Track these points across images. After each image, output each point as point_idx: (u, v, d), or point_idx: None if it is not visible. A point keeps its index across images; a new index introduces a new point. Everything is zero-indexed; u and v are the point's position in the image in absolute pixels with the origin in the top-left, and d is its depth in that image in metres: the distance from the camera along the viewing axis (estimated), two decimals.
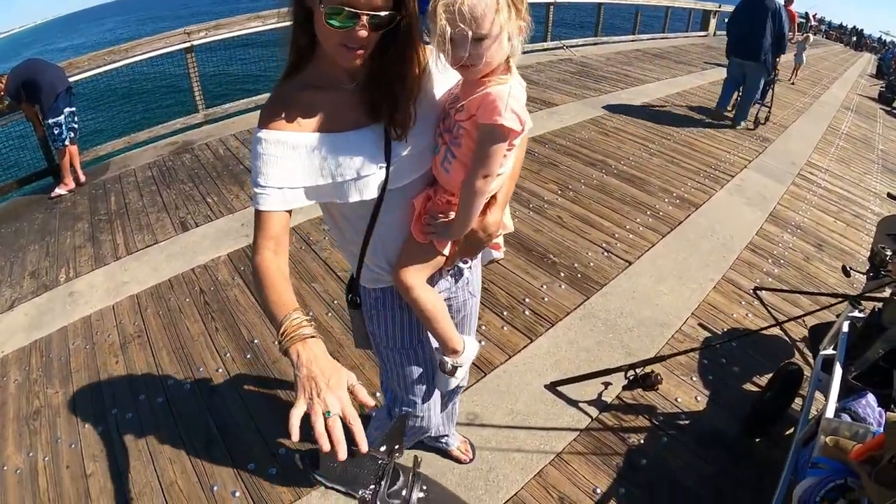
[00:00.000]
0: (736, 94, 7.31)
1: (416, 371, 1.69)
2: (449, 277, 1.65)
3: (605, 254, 3.94)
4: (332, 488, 0.96)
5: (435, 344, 1.69)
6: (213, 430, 2.62)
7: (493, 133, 1.22)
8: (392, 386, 1.77)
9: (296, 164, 1.24)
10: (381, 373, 1.81)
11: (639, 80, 9.03)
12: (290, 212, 1.29)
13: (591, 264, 3.81)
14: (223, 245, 4.11)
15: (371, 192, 1.31)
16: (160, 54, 6.58)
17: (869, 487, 1.44)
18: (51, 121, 5.21)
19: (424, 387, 1.72)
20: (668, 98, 8.11)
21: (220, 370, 2.96)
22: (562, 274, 3.69)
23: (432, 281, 1.55)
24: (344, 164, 1.27)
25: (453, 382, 1.66)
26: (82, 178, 5.51)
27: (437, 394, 1.79)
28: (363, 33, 1.13)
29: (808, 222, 4.80)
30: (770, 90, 7.37)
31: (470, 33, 1.11)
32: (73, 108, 5.42)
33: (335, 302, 3.43)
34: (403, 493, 0.98)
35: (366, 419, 1.95)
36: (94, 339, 3.31)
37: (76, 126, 5.50)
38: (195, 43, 6.62)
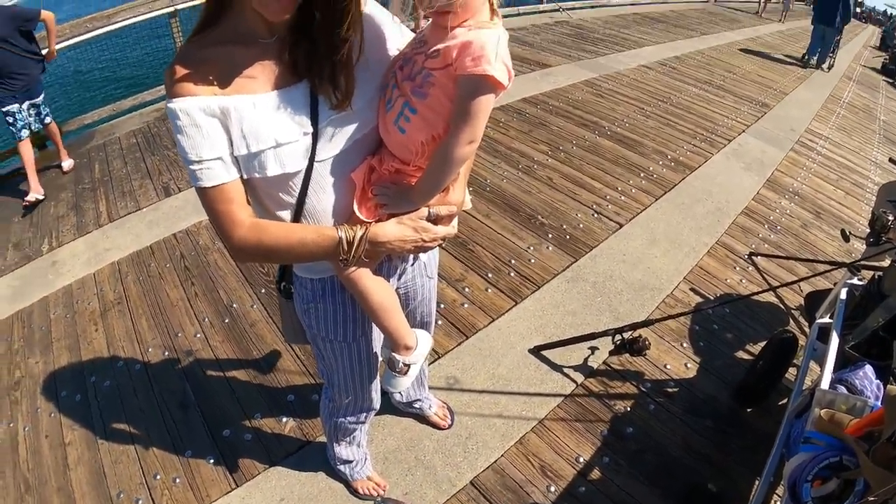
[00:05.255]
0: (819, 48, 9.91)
1: (360, 363, 1.58)
2: (402, 263, 1.47)
3: (596, 216, 3.86)
4: None
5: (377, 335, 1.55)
6: (190, 397, 2.59)
7: (479, 86, 1.04)
8: (330, 375, 1.64)
9: (218, 131, 1.07)
10: (316, 359, 1.67)
11: (636, 43, 8.84)
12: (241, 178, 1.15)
13: (581, 226, 3.73)
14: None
15: (295, 164, 1.13)
16: (144, 19, 6.40)
17: (866, 467, 1.35)
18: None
19: (368, 375, 1.63)
20: (666, 61, 7.94)
21: (199, 335, 2.91)
22: (550, 235, 3.61)
23: (382, 268, 1.39)
24: (260, 129, 1.09)
25: (405, 382, 1.48)
26: (66, 163, 5.06)
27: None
28: None
29: (806, 189, 4.69)
30: (836, 47, 9.99)
31: None
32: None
33: (261, 290, 3.24)
34: None
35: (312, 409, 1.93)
36: (75, 308, 3.28)
37: (35, 125, 4.95)
38: (179, 7, 6.41)
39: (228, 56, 1.08)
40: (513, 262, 3.34)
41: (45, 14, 4.70)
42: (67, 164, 5.05)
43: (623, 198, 4.08)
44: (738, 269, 3.47)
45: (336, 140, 1.16)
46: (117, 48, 7.28)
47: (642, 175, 4.44)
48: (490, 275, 3.23)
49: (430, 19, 1.09)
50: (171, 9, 6.31)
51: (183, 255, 3.56)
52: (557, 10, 10.17)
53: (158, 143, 5.31)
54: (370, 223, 1.19)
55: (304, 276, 1.40)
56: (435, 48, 1.06)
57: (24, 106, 4.68)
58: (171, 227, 3.91)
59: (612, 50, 8.20)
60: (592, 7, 11.44)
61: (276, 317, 2.94)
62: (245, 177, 1.14)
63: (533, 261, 3.36)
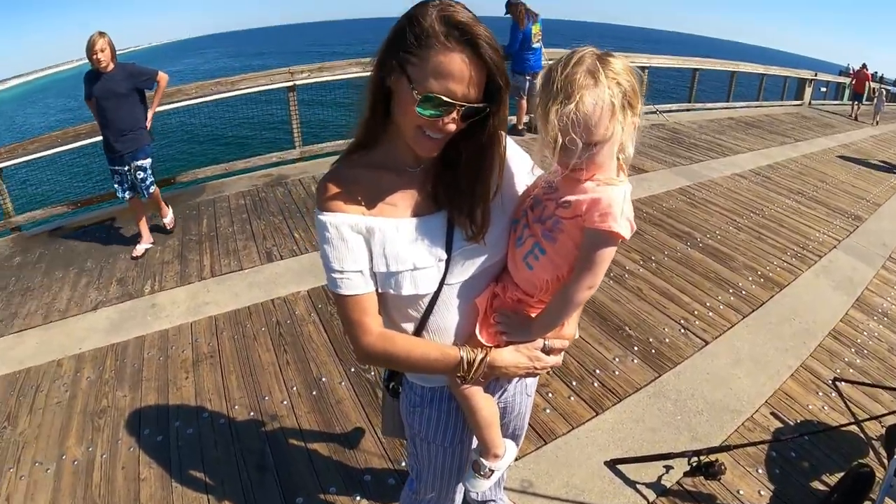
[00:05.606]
0: None
1: (452, 466, 1.62)
2: (507, 382, 1.53)
3: (683, 331, 3.80)
4: None
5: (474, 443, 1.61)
6: (269, 460, 2.67)
7: (604, 240, 1.14)
8: (420, 471, 1.69)
9: (361, 247, 1.20)
10: (409, 454, 1.74)
11: (730, 149, 8.80)
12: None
13: (667, 340, 3.68)
14: (304, 281, 4.20)
15: (428, 287, 1.24)
16: (264, 90, 6.91)
17: None
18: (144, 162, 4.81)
19: (456, 477, 1.67)
20: (760, 170, 7.85)
21: (285, 402, 3.01)
22: (636, 348, 3.57)
23: (489, 385, 1.45)
24: (400, 252, 1.20)
25: (486, 485, 1.55)
26: (167, 219, 5.14)
27: None
28: (451, 126, 1.09)
29: (895, 310, 4.49)
30: None
31: (582, 143, 1.06)
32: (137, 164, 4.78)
33: (351, 369, 3.29)
34: None
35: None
36: (169, 353, 3.46)
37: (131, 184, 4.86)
38: (298, 82, 6.88)
39: (377, 180, 1.21)
40: (597, 371, 3.32)
41: (162, 75, 4.87)
42: (169, 219, 5.11)
43: (711, 314, 4.02)
44: (820, 394, 3.33)
45: (466, 267, 1.27)
46: (230, 108, 7.77)
47: (731, 291, 4.36)
48: (574, 383, 3.22)
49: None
50: (290, 83, 6.75)
51: (279, 322, 3.71)
52: (654, 113, 10.29)
53: (265, 208, 5.61)
54: (490, 348, 1.28)
55: (416, 382, 1.48)
56: (566, 199, 1.16)
57: (132, 166, 4.71)
58: (270, 292, 4.08)
59: (707, 156, 8.19)
60: (688, 110, 11.54)
61: (363, 397, 3.02)
62: (380, 291, 1.25)
63: (617, 372, 3.33)
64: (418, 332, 1.32)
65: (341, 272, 1.20)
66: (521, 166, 1.37)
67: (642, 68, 10.13)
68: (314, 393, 3.07)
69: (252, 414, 2.95)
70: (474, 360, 1.26)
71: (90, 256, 4.83)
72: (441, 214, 1.25)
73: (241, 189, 6.17)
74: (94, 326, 3.81)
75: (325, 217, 1.19)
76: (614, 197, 1.11)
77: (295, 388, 3.11)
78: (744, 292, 4.37)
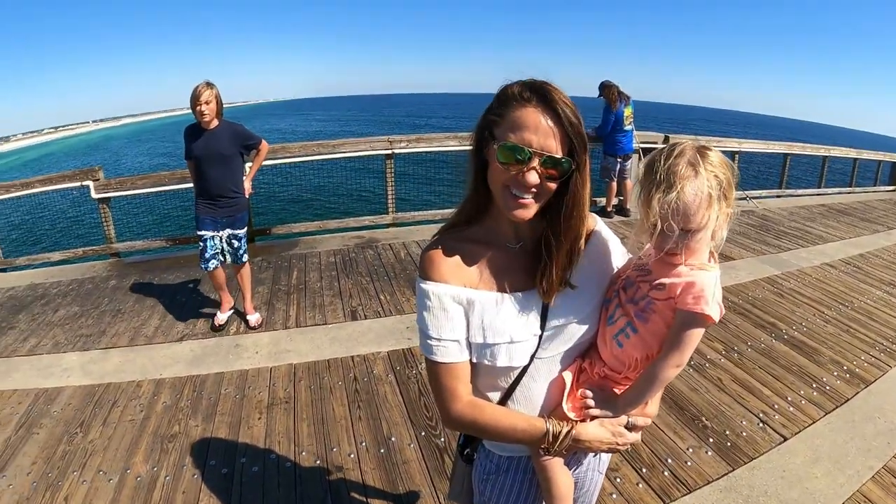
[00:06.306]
0: None
1: None
2: (584, 456, 1.54)
3: (761, 425, 3.63)
4: None
5: None
6: None
7: (696, 321, 1.20)
8: None
9: (460, 318, 1.25)
10: None
11: (820, 237, 8.48)
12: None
13: (744, 434, 3.52)
14: (385, 342, 4.29)
15: (521, 360, 1.28)
16: (363, 155, 7.27)
17: None
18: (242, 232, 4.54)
19: None
20: (850, 260, 7.48)
21: (353, 456, 3.07)
22: (710, 440, 3.44)
23: (567, 458, 1.46)
24: (498, 325, 1.25)
25: None
26: (252, 318, 4.61)
27: None
28: (532, 177, 1.12)
29: None
30: None
31: (679, 229, 1.13)
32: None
33: (421, 433, 3.28)
34: None
35: None
36: (245, 392, 3.63)
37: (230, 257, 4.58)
38: (396, 151, 7.21)
39: (479, 254, 1.29)
40: (669, 461, 3.22)
41: (264, 143, 4.60)
42: (254, 318, 4.60)
43: (791, 409, 3.83)
44: None
45: (557, 343, 1.31)
46: (323, 171, 8.12)
47: (815, 386, 4.15)
48: (644, 470, 3.13)
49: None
50: (389, 151, 7.09)
51: (356, 378, 3.80)
52: (744, 199, 10.04)
53: (354, 268, 5.85)
54: (576, 421, 1.32)
55: (492, 450, 1.50)
56: (661, 281, 1.23)
57: (224, 234, 4.41)
58: (350, 349, 4.20)
59: (796, 245, 7.93)
60: (778, 196, 11.25)
61: (430, 461, 3.03)
62: (475, 361, 1.30)
63: (689, 463, 3.21)
64: (503, 401, 1.36)
65: (439, 340, 1.26)
66: (614, 248, 1.43)
67: (732, 153, 10.03)
68: (382, 451, 3.11)
69: (318, 462, 3.02)
70: (560, 433, 1.29)
71: (181, 291, 5.18)
72: (537, 291, 1.29)
73: (333, 247, 6.49)
74: (177, 356, 4.06)
75: (428, 286, 1.26)
76: (707, 281, 1.19)
77: (364, 444, 3.16)
78: (828, 388, 4.15)
